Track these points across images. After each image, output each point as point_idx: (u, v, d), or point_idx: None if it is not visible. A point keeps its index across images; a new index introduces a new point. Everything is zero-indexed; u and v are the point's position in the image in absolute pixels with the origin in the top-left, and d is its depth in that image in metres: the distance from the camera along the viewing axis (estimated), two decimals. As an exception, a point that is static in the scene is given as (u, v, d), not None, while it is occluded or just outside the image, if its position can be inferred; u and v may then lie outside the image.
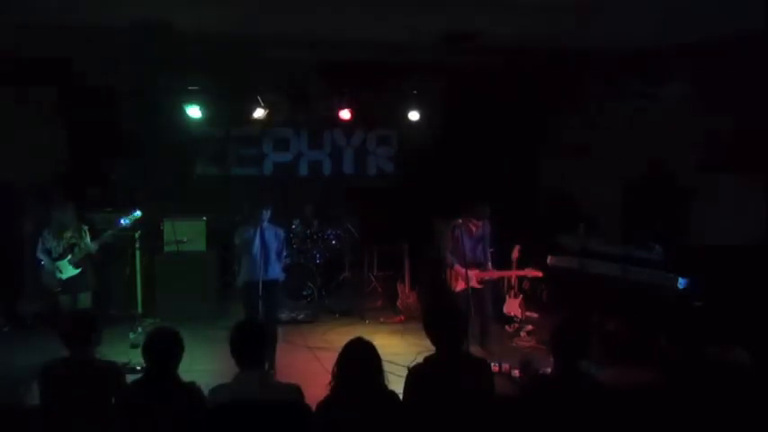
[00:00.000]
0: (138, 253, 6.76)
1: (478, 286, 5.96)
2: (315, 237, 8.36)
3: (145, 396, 2.98)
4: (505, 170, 8.27)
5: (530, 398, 3.11)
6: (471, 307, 5.55)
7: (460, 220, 5.85)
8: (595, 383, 3.07)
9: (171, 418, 2.90)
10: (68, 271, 5.78)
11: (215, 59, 6.79)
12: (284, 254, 6.12)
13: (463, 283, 5.70)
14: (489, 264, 6.11)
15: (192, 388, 3.06)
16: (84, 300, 5.86)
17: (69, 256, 5.77)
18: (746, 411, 3.02)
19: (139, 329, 6.17)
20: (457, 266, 5.91)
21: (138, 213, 5.93)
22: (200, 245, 7.75)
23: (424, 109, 7.97)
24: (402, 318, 7.66)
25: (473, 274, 5.84)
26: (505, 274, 6.59)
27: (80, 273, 5.83)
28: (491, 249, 6.18)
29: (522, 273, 6.44)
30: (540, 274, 6.24)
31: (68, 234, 5.80)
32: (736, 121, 5.60)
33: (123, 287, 6.98)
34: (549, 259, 6.62)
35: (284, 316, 7.14)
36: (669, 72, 6.05)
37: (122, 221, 5.87)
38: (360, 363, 2.96)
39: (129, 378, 3.30)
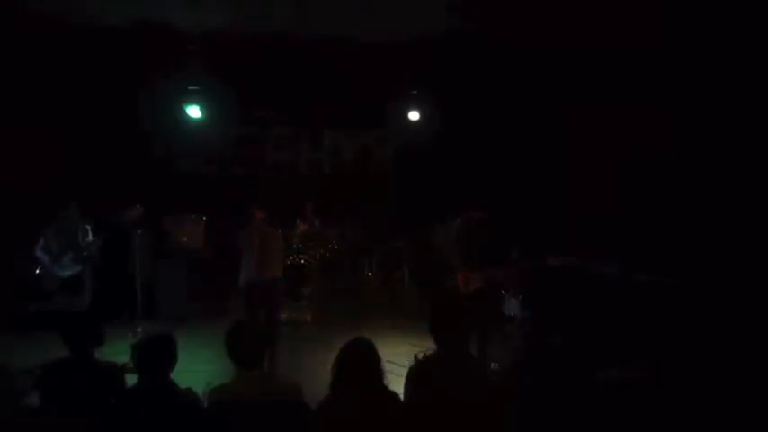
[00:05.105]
0: (137, 252, 6.76)
1: (483, 287, 5.96)
2: (315, 237, 8.36)
3: (139, 405, 2.92)
4: (504, 170, 8.28)
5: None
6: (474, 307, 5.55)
7: (462, 221, 5.86)
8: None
9: (167, 427, 2.88)
10: (69, 269, 5.79)
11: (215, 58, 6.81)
12: (282, 253, 6.12)
13: (469, 284, 5.70)
14: (493, 264, 6.09)
15: (188, 395, 3.00)
16: (85, 298, 5.88)
17: (70, 254, 5.78)
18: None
19: (139, 329, 6.17)
20: (461, 267, 5.90)
21: (140, 210, 5.95)
22: (199, 244, 7.76)
23: (424, 108, 8.00)
24: (401, 317, 7.66)
25: (478, 275, 5.84)
26: (509, 273, 6.47)
27: (81, 271, 5.84)
28: (496, 250, 6.14)
29: (523, 268, 6.28)
30: (542, 268, 6.14)
31: (70, 232, 5.82)
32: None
33: (123, 286, 6.98)
34: (548, 259, 6.61)
35: (284, 316, 7.15)
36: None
37: (124, 219, 5.89)
38: (359, 363, 2.95)
39: (130, 378, 3.29)
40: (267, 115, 8.41)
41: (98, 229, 6.03)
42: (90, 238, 5.88)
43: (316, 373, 5.22)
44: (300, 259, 7.95)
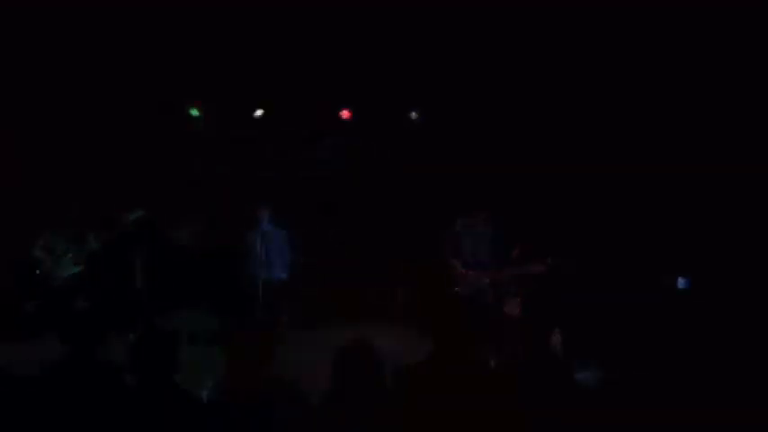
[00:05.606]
0: (138, 253, 6.77)
1: (481, 287, 5.97)
2: (315, 237, 8.37)
3: (139, 405, 2.93)
4: (505, 170, 8.29)
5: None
6: (473, 308, 5.55)
7: (461, 220, 5.86)
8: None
9: (167, 427, 2.88)
10: (69, 269, 5.80)
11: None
12: (287, 253, 6.12)
13: (466, 285, 5.71)
14: (491, 264, 6.09)
15: (188, 395, 3.00)
16: (85, 298, 5.88)
17: (71, 255, 5.79)
18: None
19: (139, 329, 6.18)
20: (458, 268, 5.91)
21: (140, 212, 5.97)
22: (199, 245, 7.76)
23: (425, 108, 8.00)
24: (401, 317, 7.66)
25: (475, 274, 5.85)
26: (508, 272, 6.48)
27: (81, 271, 5.84)
28: (497, 250, 6.13)
29: (525, 270, 6.27)
30: (543, 269, 6.13)
31: (71, 232, 5.83)
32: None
33: (124, 286, 6.98)
34: (549, 259, 6.60)
35: (285, 316, 7.15)
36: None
37: (125, 220, 5.90)
38: (359, 363, 2.96)
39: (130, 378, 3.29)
40: (267, 115, 8.40)
41: (99, 232, 6.04)
42: (91, 237, 5.90)
43: (316, 373, 5.25)
44: (301, 259, 7.95)
